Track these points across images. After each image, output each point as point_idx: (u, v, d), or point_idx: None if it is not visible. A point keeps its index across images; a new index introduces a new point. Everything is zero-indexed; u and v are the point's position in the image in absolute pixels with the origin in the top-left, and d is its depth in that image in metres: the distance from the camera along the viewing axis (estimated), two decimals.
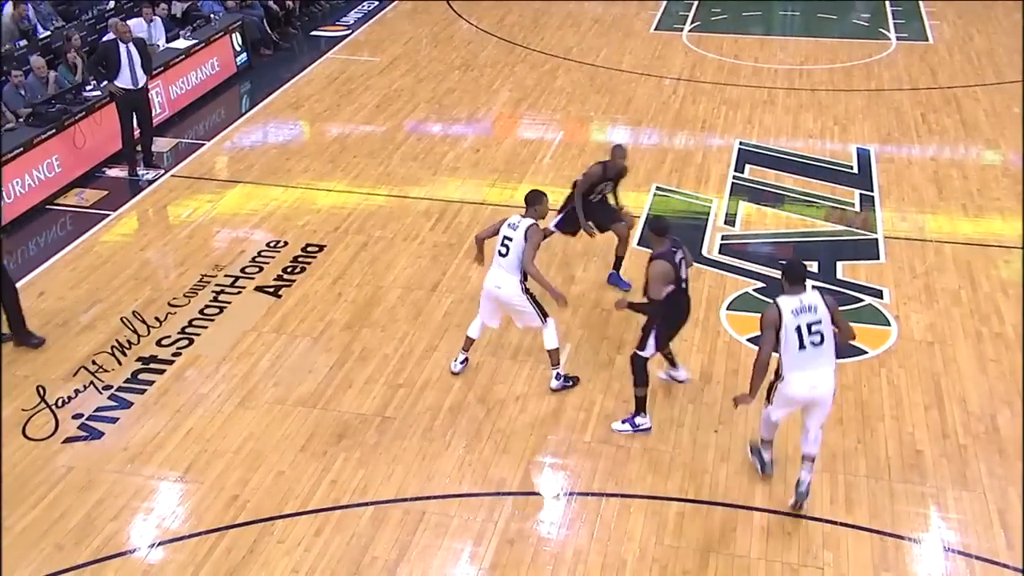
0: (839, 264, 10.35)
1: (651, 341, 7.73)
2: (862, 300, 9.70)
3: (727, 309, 9.61)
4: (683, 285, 7.70)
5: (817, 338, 6.73)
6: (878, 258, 10.50)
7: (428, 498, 7.32)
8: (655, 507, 7.24)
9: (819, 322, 6.73)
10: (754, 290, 9.91)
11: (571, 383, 8.41)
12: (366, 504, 7.26)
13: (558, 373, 8.36)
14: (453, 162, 13.03)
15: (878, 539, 6.93)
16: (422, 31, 18.33)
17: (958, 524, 7.06)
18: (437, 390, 8.50)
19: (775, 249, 10.72)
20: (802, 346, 6.73)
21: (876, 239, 10.88)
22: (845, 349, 7.74)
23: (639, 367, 7.81)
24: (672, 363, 8.45)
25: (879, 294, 9.79)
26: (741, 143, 13.33)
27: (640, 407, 7.92)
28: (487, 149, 13.43)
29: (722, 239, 10.96)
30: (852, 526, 7.04)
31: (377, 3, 19.83)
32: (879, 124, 13.88)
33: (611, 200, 9.76)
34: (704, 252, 10.64)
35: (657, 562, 6.73)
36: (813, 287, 6.97)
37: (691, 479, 7.49)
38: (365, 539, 6.93)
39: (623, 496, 7.35)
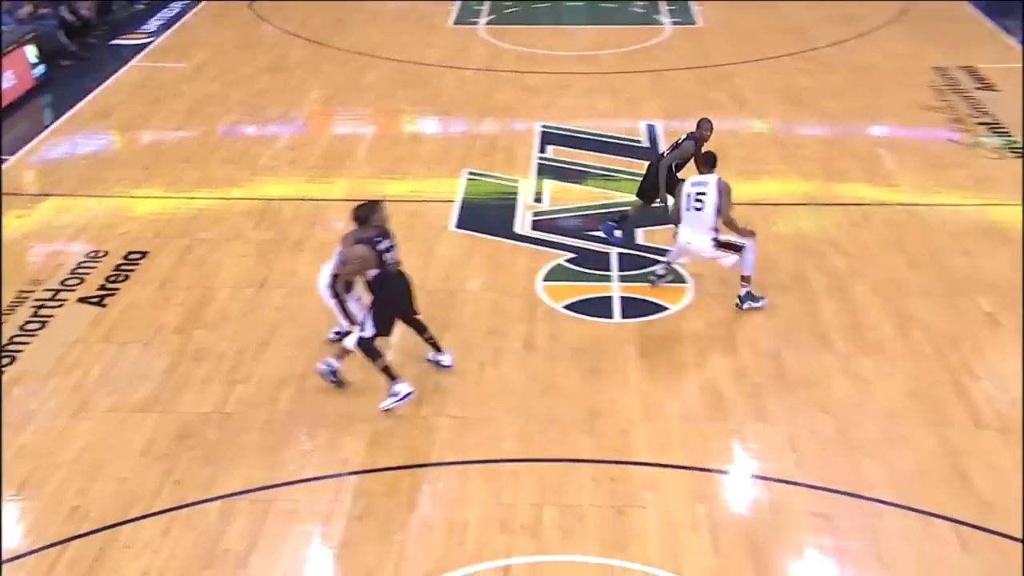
0: (638, 232, 10.76)
1: (369, 323, 7.84)
2: (661, 261, 10.13)
3: (543, 280, 9.85)
4: (391, 269, 7.90)
5: (699, 205, 8.75)
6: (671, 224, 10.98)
7: (274, 486, 7.18)
8: (491, 470, 7.36)
9: (704, 195, 8.74)
10: (566, 260, 10.19)
11: (337, 382, 8.14)
12: (213, 499, 7.05)
13: (332, 364, 8.09)
14: (271, 161, 12.73)
15: (691, 474, 7.29)
16: (227, 35, 17.75)
17: (758, 453, 7.53)
18: (274, 383, 8.31)
19: (582, 221, 11.05)
20: (687, 208, 8.80)
21: (667, 205, 11.34)
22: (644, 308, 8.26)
23: (365, 347, 7.84)
24: (435, 347, 8.45)
25: None
26: (543, 126, 13.62)
27: (390, 377, 7.86)
28: (303, 147, 13.19)
29: (533, 216, 11.19)
30: (668, 466, 7.37)
31: (178, 10, 19.03)
32: (663, 102, 14.49)
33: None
34: (517, 229, 10.85)
35: (497, 520, 6.85)
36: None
37: (522, 440, 7.66)
38: (215, 533, 6.73)
39: (461, 463, 7.44)
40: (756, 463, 7.44)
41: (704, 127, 10.07)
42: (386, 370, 7.87)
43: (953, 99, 14.16)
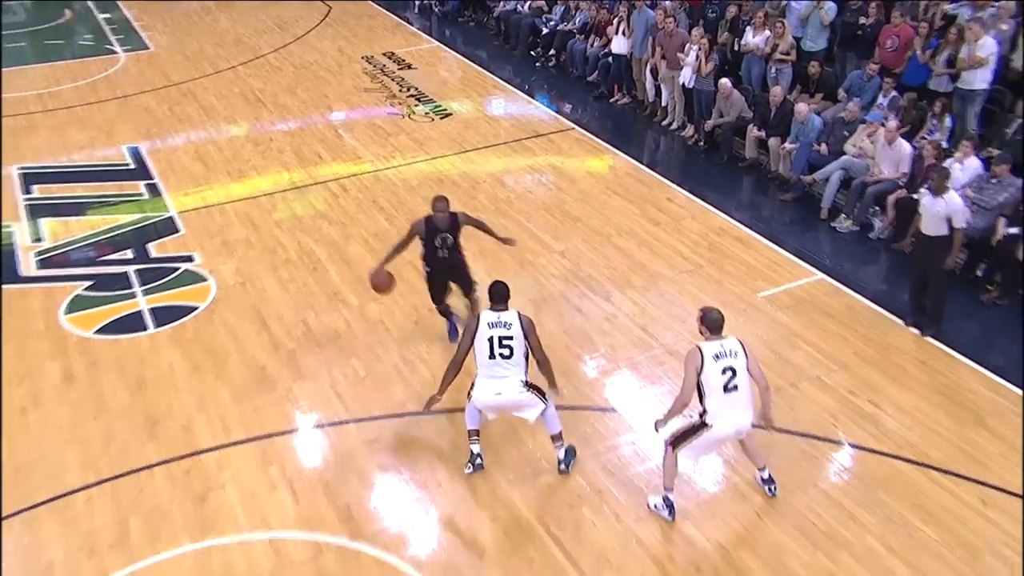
0: (149, 246, 10.12)
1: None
2: (179, 268, 9.67)
3: (65, 314, 8.87)
4: None
5: (506, 352, 6.40)
6: (179, 231, 10.49)
7: None
8: (62, 505, 6.59)
9: (511, 338, 6.41)
10: (84, 289, 9.27)
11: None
12: None
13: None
14: None
15: (257, 444, 7.19)
16: None
17: (308, 407, 7.64)
18: None
19: (92, 249, 10.09)
20: (491, 355, 6.42)
21: (172, 216, 10.82)
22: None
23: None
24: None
25: (190, 259, 9.84)
26: (21, 168, 12.04)
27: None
28: None
29: (37, 256, 9.95)
30: (234, 444, 7.20)
31: None
32: (137, 124, 13.59)
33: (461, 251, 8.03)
34: (23, 272, 9.60)
35: (82, 549, 6.20)
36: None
37: (87, 467, 6.94)
38: None
39: (26, 510, 6.54)
40: (309, 416, 7.56)
41: (437, 207, 7.72)
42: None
43: (385, 80, 15.19)
